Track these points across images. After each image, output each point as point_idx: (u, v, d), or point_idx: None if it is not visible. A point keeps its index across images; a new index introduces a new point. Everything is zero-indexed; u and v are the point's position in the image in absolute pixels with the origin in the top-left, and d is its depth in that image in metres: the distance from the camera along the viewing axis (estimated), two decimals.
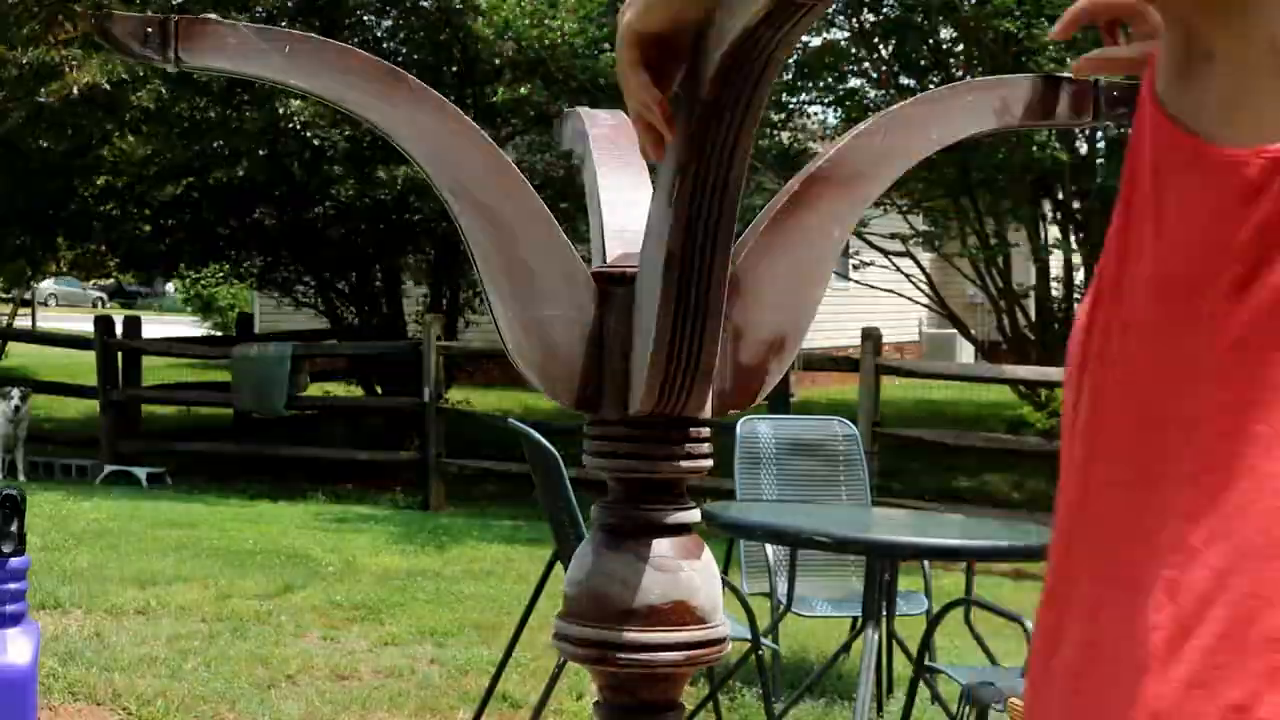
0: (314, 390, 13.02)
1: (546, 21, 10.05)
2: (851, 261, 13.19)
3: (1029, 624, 3.59)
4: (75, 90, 9.90)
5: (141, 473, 11.06)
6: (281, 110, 10.06)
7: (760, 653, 4.21)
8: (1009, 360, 10.69)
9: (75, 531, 8.26)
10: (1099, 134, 10.31)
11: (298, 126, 10.15)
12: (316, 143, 10.33)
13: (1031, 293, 10.52)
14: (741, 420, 5.37)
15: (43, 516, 8.75)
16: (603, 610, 1.61)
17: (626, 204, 1.80)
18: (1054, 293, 10.48)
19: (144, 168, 11.03)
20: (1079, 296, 10.29)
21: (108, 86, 9.84)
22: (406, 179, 10.58)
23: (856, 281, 12.62)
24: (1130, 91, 1.75)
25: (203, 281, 15.68)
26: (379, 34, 12.40)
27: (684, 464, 1.63)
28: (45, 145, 10.76)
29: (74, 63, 9.82)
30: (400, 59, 12.09)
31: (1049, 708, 0.79)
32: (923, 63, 11.13)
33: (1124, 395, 0.78)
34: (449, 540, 8.54)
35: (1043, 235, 10.29)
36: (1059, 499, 0.84)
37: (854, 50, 10.91)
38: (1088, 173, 9.95)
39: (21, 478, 10.95)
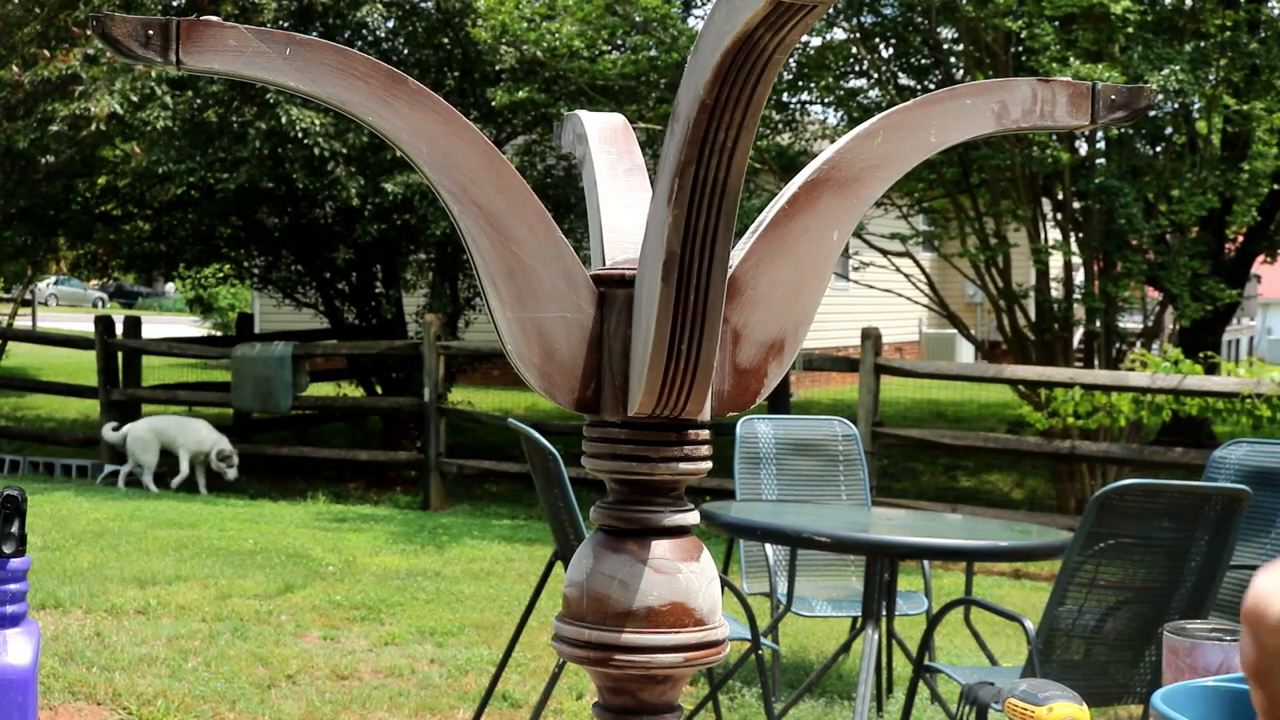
0: (314, 390, 13.03)
1: (544, 25, 10.05)
2: (851, 262, 13.20)
3: (1029, 624, 3.60)
4: (100, 126, 9.90)
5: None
6: (284, 119, 10.07)
7: (760, 653, 4.21)
8: (1009, 360, 10.69)
9: (75, 531, 8.26)
10: (1099, 134, 10.31)
11: (299, 134, 10.16)
12: (317, 151, 10.33)
13: (1031, 293, 10.52)
14: (741, 420, 5.38)
15: (43, 516, 8.75)
16: (601, 611, 1.62)
17: (625, 206, 1.80)
18: (1054, 293, 10.48)
19: (146, 174, 11.04)
20: (1079, 296, 10.29)
21: (120, 110, 9.84)
22: (410, 185, 10.59)
23: (856, 282, 12.63)
24: (1128, 96, 1.75)
25: (203, 281, 15.65)
26: (380, 34, 12.40)
27: (683, 466, 1.63)
28: (51, 159, 10.77)
29: (91, 89, 9.80)
30: (400, 61, 12.10)
31: None
32: (923, 63, 11.13)
33: None
34: (449, 540, 8.55)
35: (1043, 235, 10.29)
36: None
37: (854, 51, 10.91)
38: (1088, 173, 9.95)
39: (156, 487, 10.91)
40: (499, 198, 1.59)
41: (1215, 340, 12.51)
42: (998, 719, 3.62)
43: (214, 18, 1.49)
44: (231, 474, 10.63)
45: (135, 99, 10.02)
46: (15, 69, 10.19)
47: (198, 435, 10.68)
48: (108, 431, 11.03)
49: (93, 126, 9.90)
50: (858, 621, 4.84)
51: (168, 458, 10.97)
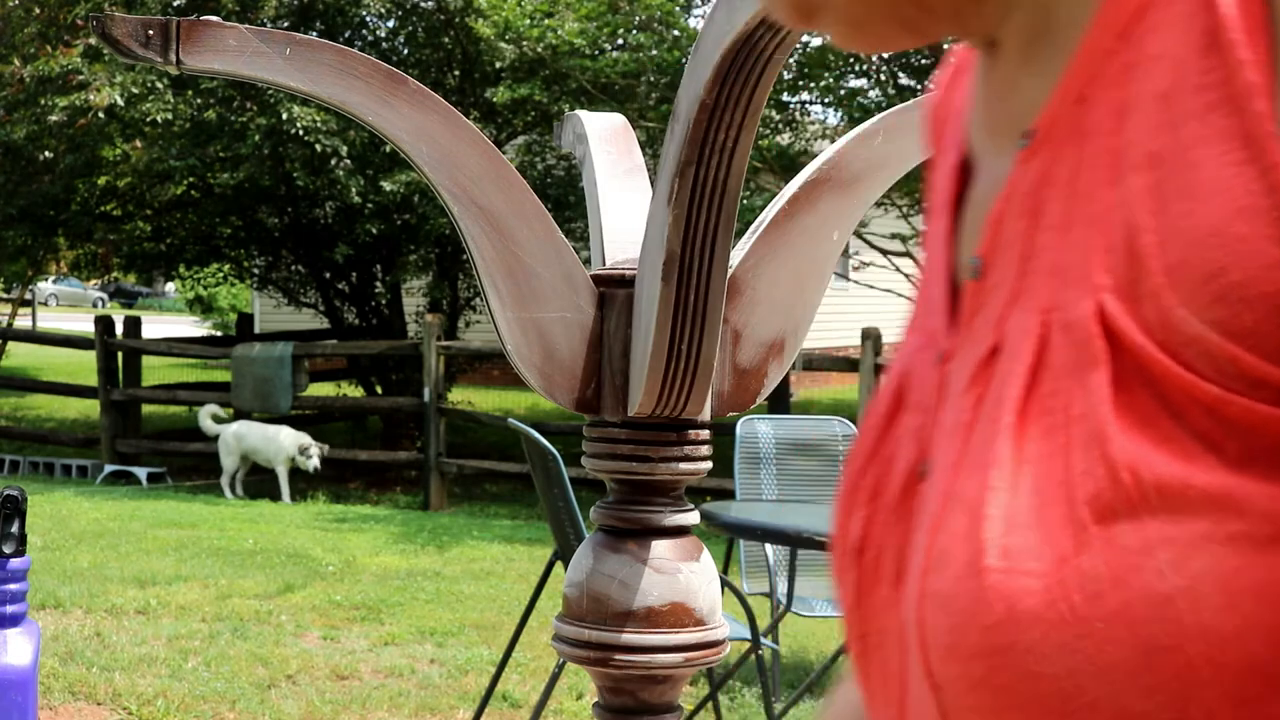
0: (314, 390, 13.02)
1: (547, 22, 10.06)
2: (851, 261, 13.20)
3: None
4: (100, 114, 9.88)
5: (141, 473, 11.05)
6: (285, 115, 10.07)
7: (760, 653, 4.21)
8: None
9: (75, 531, 8.26)
10: None
11: (300, 132, 10.16)
12: (319, 149, 10.33)
13: None
14: (741, 420, 5.37)
15: (43, 516, 8.75)
16: (602, 612, 1.62)
17: (626, 206, 1.80)
18: None
19: (147, 171, 11.04)
20: None
21: (121, 102, 9.84)
22: (411, 183, 10.59)
23: (856, 281, 12.62)
24: None
25: (203, 281, 15.63)
26: (380, 34, 12.40)
27: (683, 466, 1.63)
28: (51, 157, 10.76)
29: (93, 81, 9.81)
30: (401, 61, 12.09)
31: None
32: (923, 63, 11.13)
33: None
34: (449, 540, 8.55)
35: None
36: None
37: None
38: None
39: (237, 493, 10.79)
40: (499, 198, 1.59)
41: None
42: None
43: (214, 18, 1.49)
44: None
45: (136, 90, 10.03)
46: (16, 64, 10.19)
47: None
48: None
49: (90, 115, 9.90)
50: None
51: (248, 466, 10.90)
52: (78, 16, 10.39)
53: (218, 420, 10.95)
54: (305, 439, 10.47)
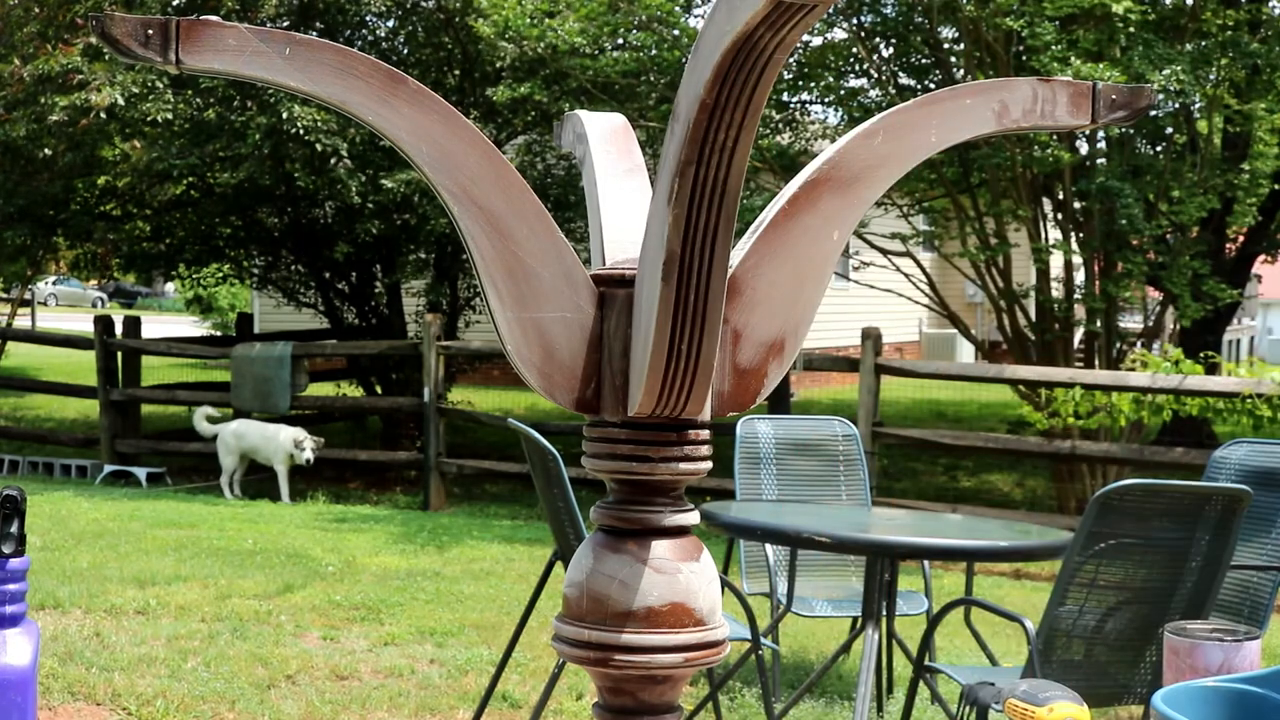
0: (314, 390, 13.02)
1: (547, 21, 10.06)
2: (851, 261, 13.20)
3: (1029, 624, 3.60)
4: (102, 114, 9.88)
5: (141, 473, 11.05)
6: (285, 115, 10.07)
7: (760, 653, 4.21)
8: (1009, 360, 10.69)
9: (75, 531, 8.26)
10: (1100, 134, 10.31)
11: (300, 131, 10.15)
12: (319, 148, 10.32)
13: (1032, 293, 10.52)
14: (741, 420, 5.37)
15: (43, 516, 8.75)
16: (601, 612, 1.61)
17: (626, 206, 1.80)
18: (1054, 293, 10.48)
19: (146, 170, 11.03)
20: (1079, 296, 10.29)
21: (121, 102, 9.84)
22: (411, 182, 10.58)
23: (856, 281, 12.62)
24: (1129, 96, 1.75)
25: (203, 281, 15.62)
26: (380, 34, 12.40)
27: (683, 466, 1.63)
28: (50, 154, 10.75)
29: (93, 80, 9.81)
30: (401, 60, 12.09)
31: None
32: (923, 63, 11.13)
33: None
34: (449, 540, 8.55)
35: (1043, 235, 10.29)
36: None
37: (854, 50, 10.91)
38: (1088, 173, 9.95)
39: (236, 493, 10.77)
40: (499, 198, 1.59)
41: (1216, 340, 12.51)
42: (998, 719, 3.62)
43: (214, 17, 1.49)
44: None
45: (136, 90, 10.02)
46: (16, 63, 10.19)
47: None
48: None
49: (91, 115, 9.90)
50: (858, 621, 4.84)
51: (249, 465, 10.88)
52: (77, 15, 10.39)
53: (212, 421, 10.97)
54: (300, 433, 10.49)
